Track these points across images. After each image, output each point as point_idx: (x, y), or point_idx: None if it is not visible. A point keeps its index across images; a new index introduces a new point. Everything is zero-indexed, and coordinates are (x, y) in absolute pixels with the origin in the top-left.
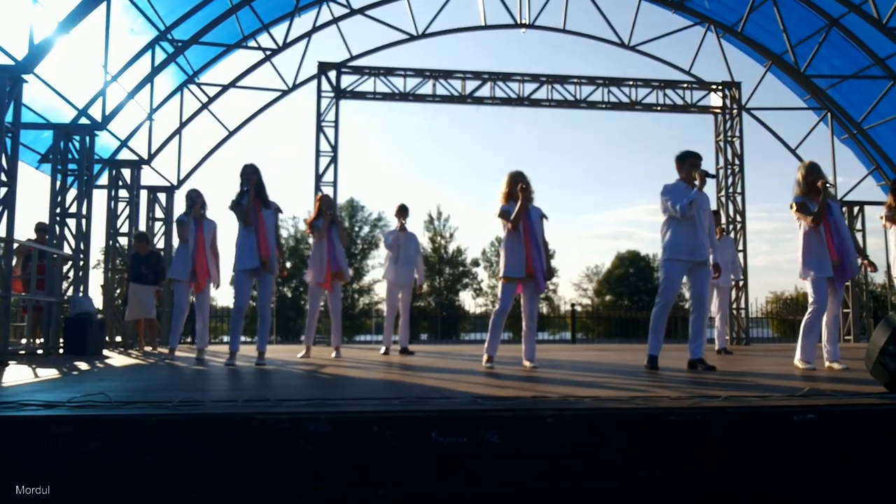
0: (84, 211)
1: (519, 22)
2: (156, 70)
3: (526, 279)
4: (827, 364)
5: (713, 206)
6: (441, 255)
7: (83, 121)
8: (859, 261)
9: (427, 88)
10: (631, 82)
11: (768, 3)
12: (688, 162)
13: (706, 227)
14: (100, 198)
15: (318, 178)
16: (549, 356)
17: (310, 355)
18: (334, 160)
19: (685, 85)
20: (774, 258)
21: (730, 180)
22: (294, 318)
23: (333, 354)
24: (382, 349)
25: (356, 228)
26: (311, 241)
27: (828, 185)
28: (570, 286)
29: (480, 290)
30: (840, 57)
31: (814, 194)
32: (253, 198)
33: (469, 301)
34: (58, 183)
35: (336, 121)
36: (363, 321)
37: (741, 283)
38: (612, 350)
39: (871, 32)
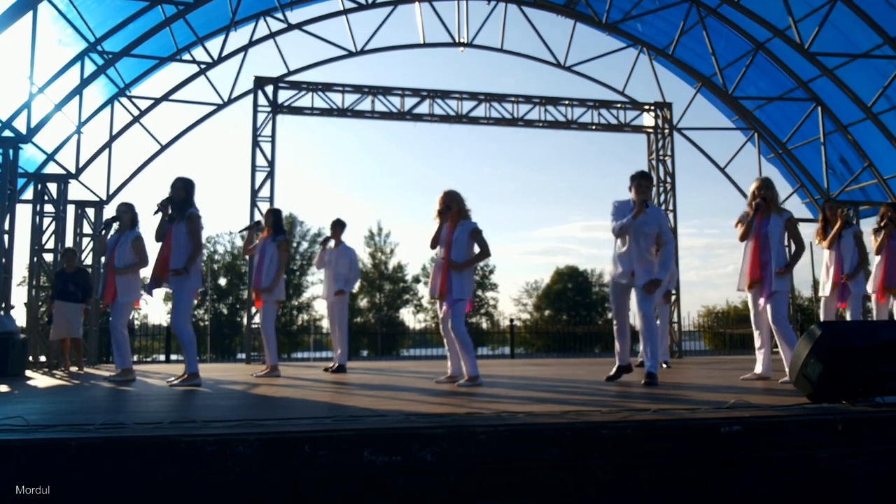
0: (7, 226)
1: (457, 41)
2: (85, 82)
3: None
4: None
5: None
6: (381, 271)
7: (7, 133)
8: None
9: (366, 105)
10: (567, 102)
11: (698, 27)
12: (634, 184)
13: (643, 250)
14: (24, 213)
15: (255, 193)
16: (487, 371)
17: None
18: (271, 175)
19: (619, 105)
20: (706, 273)
21: (662, 197)
22: (230, 335)
23: (266, 372)
24: (331, 364)
25: (294, 244)
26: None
27: (760, 202)
28: (510, 301)
29: (421, 307)
30: (766, 80)
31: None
32: (167, 216)
33: (409, 317)
34: None
35: (273, 136)
36: (301, 338)
37: (672, 295)
38: (550, 365)
39: (795, 57)
